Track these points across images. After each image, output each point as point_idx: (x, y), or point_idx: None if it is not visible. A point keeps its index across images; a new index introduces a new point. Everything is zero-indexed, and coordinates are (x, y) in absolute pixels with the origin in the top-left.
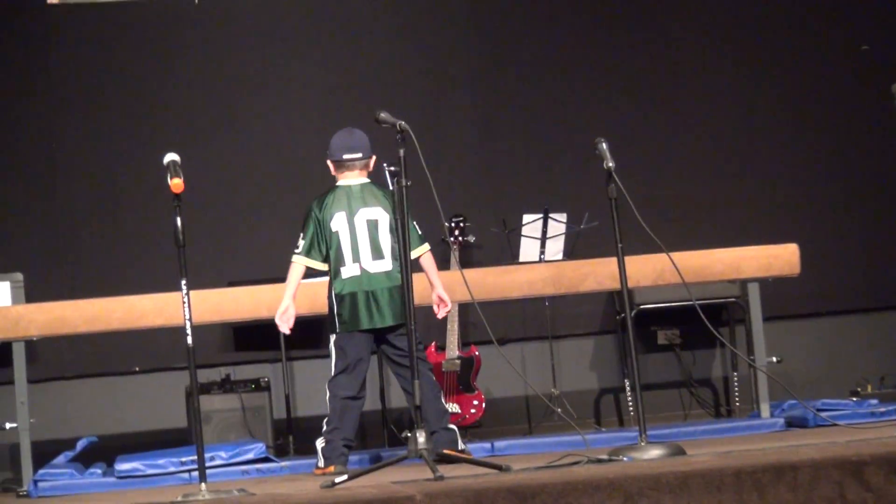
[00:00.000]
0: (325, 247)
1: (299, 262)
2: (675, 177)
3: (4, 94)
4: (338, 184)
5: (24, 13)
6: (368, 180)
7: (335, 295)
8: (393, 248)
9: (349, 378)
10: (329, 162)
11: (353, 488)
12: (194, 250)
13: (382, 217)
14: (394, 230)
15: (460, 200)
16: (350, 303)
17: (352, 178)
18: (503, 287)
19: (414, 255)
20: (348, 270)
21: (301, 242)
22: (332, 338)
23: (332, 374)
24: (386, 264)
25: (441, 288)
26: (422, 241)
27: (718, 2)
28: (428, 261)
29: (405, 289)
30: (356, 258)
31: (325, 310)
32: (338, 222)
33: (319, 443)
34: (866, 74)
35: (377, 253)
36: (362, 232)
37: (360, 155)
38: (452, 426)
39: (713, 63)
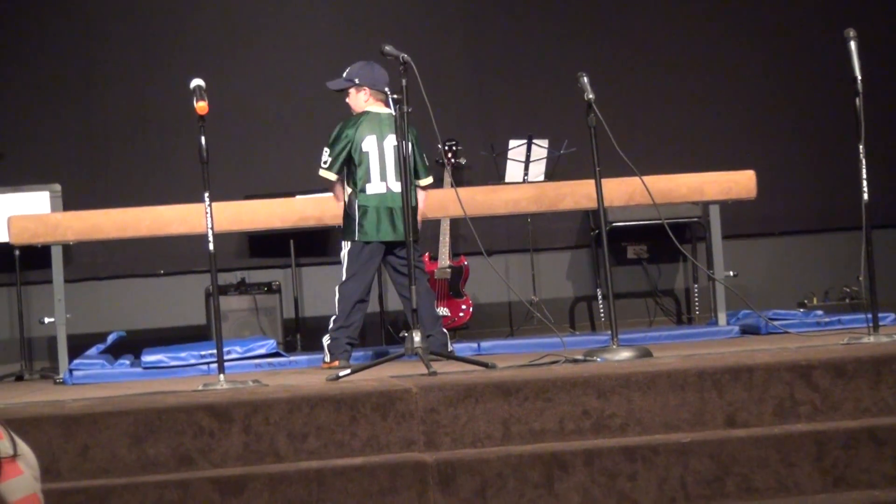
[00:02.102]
0: (351, 164)
1: (330, 176)
2: (645, 109)
3: (43, 16)
4: (368, 110)
5: None
6: (391, 111)
7: (359, 206)
8: (412, 172)
9: (358, 283)
10: (363, 89)
11: (356, 381)
12: (215, 166)
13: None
14: (412, 156)
15: (454, 126)
16: (374, 216)
17: (379, 108)
18: (490, 204)
19: (421, 183)
20: (374, 187)
21: (328, 159)
22: (347, 246)
23: (343, 278)
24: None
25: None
26: (428, 173)
27: None
28: (423, 193)
29: (405, 204)
30: (383, 178)
31: (333, 222)
32: (369, 144)
33: (326, 340)
34: (822, 14)
35: (400, 175)
36: (390, 156)
37: (387, 90)
38: (444, 331)
39: (683, 7)
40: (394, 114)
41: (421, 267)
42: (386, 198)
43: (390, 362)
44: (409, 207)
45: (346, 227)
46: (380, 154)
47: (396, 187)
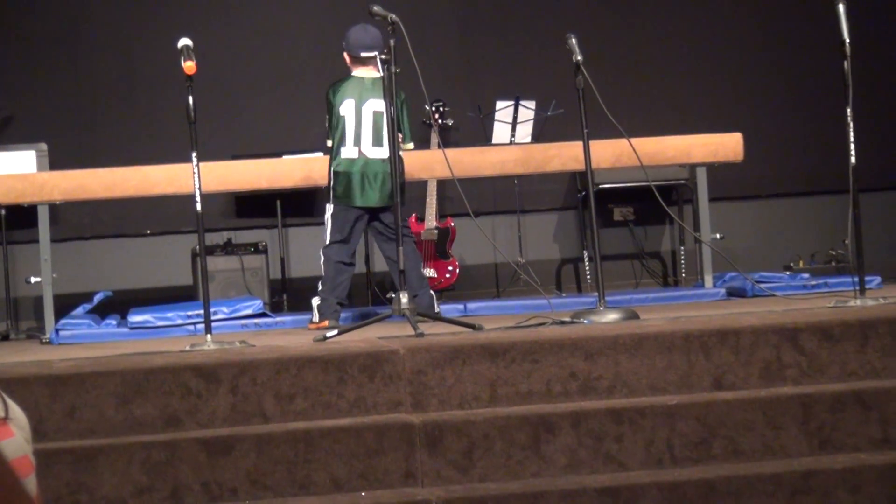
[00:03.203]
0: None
1: (328, 142)
2: (633, 71)
3: None
4: (353, 73)
5: None
6: (380, 74)
7: (332, 171)
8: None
9: (341, 246)
10: (346, 54)
11: (343, 342)
12: (202, 126)
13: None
14: (395, 120)
15: (441, 87)
16: (345, 181)
17: (365, 72)
18: (477, 165)
19: (405, 147)
20: (348, 152)
21: (326, 126)
22: (329, 208)
23: (327, 241)
24: (384, 152)
25: None
26: (410, 139)
27: None
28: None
29: (392, 166)
30: (357, 142)
31: (319, 183)
32: (346, 108)
33: (315, 300)
34: None
35: (378, 140)
36: (367, 120)
37: (374, 53)
38: (431, 292)
39: None
40: (379, 77)
41: (407, 231)
42: (357, 162)
43: (377, 323)
44: (396, 170)
45: (326, 191)
46: (356, 118)
47: (371, 153)
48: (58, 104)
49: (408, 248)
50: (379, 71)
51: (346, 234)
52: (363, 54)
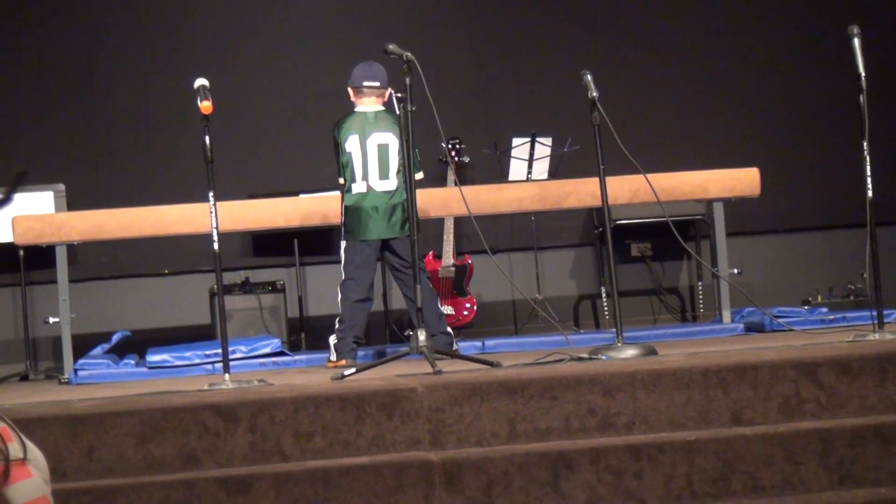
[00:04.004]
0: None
1: (340, 180)
2: (650, 107)
3: (47, 17)
4: (355, 109)
5: None
6: (383, 108)
7: (344, 207)
8: (400, 170)
9: (356, 283)
10: (350, 89)
11: (361, 380)
12: (219, 165)
13: (393, 142)
14: (403, 153)
15: (457, 125)
16: (355, 216)
17: (368, 106)
18: (494, 203)
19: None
20: (357, 187)
21: (338, 165)
22: (343, 245)
23: (343, 278)
24: (391, 184)
25: None
26: (418, 168)
27: None
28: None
29: (409, 203)
30: (364, 176)
31: (336, 221)
32: (351, 144)
33: (332, 339)
34: (825, 11)
35: (384, 173)
36: (372, 154)
37: (377, 84)
38: (449, 330)
39: (686, 5)
40: (382, 109)
41: (421, 266)
42: (366, 197)
43: (395, 361)
44: (413, 204)
45: (340, 227)
46: (362, 153)
47: (379, 185)
48: (75, 145)
49: (423, 284)
50: (380, 102)
51: (360, 271)
52: (365, 84)
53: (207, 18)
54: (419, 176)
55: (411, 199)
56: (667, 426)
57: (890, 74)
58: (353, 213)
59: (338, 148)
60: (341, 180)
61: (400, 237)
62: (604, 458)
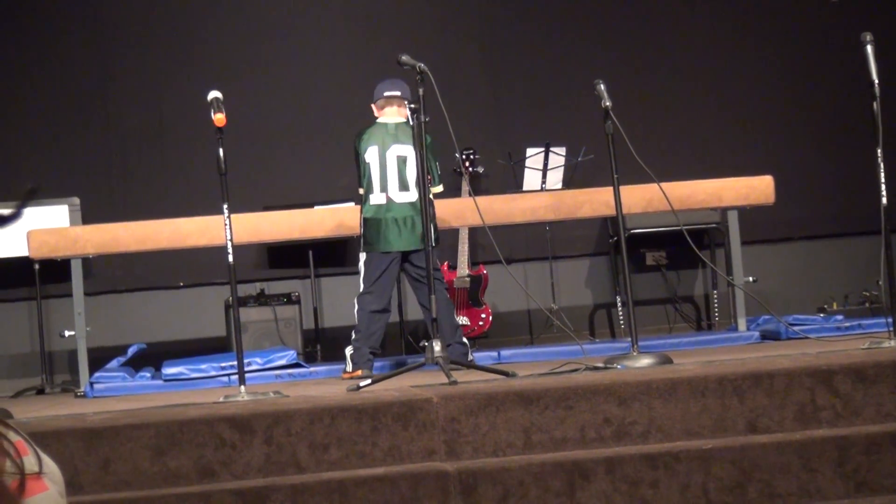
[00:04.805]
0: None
1: (360, 191)
2: (663, 115)
3: (58, 28)
4: (377, 120)
5: None
6: (405, 120)
7: (363, 219)
8: (418, 181)
9: (375, 294)
10: (373, 106)
11: (377, 391)
12: (234, 177)
13: (412, 154)
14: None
15: (471, 135)
16: (374, 227)
17: (390, 117)
18: (509, 212)
19: (434, 190)
20: (376, 198)
21: (358, 176)
22: (362, 257)
23: (361, 289)
24: (411, 195)
25: None
26: (438, 181)
27: None
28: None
29: (423, 213)
30: (384, 188)
31: (351, 232)
32: (371, 154)
33: (349, 350)
34: (835, 24)
35: (403, 185)
36: (392, 165)
37: (398, 93)
38: (465, 340)
39: (699, 14)
40: (403, 122)
41: (439, 276)
42: (385, 208)
43: (411, 372)
44: (427, 215)
45: (360, 239)
46: (381, 164)
47: (399, 197)
48: (89, 158)
49: (440, 295)
50: (403, 115)
51: (380, 282)
52: (387, 93)
53: (220, 31)
54: (439, 189)
55: (425, 210)
56: (682, 435)
57: None
58: (372, 224)
59: (358, 158)
60: (361, 191)
61: (420, 249)
62: (619, 468)
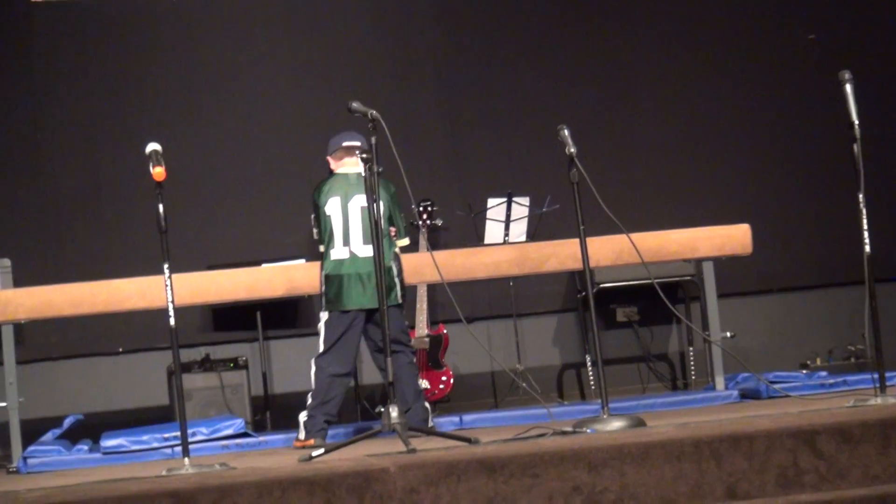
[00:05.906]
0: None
1: (320, 248)
2: (632, 161)
3: None
4: (337, 171)
5: (8, 8)
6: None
7: (324, 276)
8: (385, 234)
9: (335, 355)
10: (329, 158)
11: (330, 461)
12: (175, 235)
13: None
14: (386, 217)
15: (428, 186)
16: (337, 284)
17: (350, 167)
18: (470, 268)
19: (399, 243)
20: (337, 252)
21: (315, 231)
22: (323, 316)
23: (321, 350)
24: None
25: None
26: (403, 234)
27: None
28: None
29: (377, 268)
30: (346, 241)
31: (302, 292)
32: (332, 207)
33: (302, 416)
34: (812, 62)
35: (368, 238)
36: (355, 217)
37: (358, 143)
38: (427, 405)
39: (668, 55)
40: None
41: (406, 339)
42: (346, 263)
43: (367, 440)
44: (382, 271)
45: (319, 297)
46: (343, 216)
47: (362, 251)
48: (20, 218)
49: (404, 359)
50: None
51: (341, 342)
52: (345, 143)
53: (160, 81)
54: (405, 242)
55: (379, 265)
56: (657, 502)
57: (885, 122)
58: (333, 281)
59: (318, 212)
60: (321, 248)
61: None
62: None
